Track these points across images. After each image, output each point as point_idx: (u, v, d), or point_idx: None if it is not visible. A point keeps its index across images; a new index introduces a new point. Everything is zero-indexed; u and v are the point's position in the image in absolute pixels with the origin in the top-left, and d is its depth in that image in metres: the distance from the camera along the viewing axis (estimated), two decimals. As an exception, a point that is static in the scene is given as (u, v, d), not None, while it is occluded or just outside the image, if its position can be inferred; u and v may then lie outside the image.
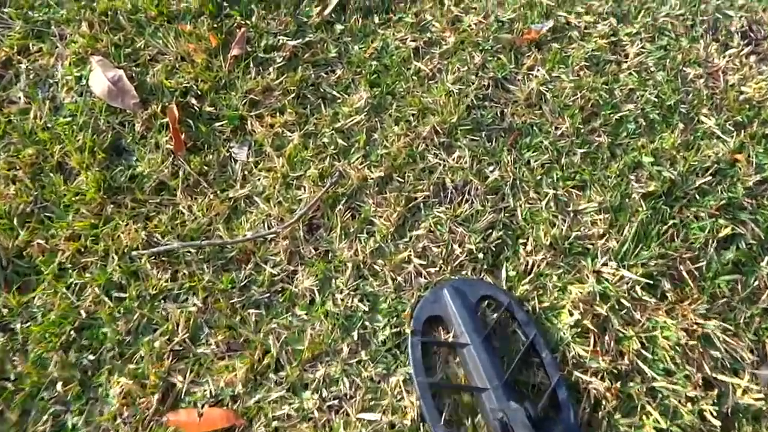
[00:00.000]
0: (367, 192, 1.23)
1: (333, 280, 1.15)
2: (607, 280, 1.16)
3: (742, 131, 1.33)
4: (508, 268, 1.17)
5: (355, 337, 1.10)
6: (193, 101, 1.30)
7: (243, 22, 1.38)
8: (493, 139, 1.30)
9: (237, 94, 1.30)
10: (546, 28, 1.41)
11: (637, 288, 1.16)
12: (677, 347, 1.11)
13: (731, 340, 1.13)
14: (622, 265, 1.18)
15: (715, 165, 1.29)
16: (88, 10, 1.38)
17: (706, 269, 1.20)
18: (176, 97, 1.30)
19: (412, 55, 1.38)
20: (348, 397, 1.07)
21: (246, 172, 1.25)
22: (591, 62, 1.40)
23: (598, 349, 1.11)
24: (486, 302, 1.13)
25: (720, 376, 1.10)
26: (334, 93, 1.33)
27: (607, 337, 1.12)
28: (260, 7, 1.41)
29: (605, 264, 1.18)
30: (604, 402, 1.06)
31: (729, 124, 1.34)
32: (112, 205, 1.18)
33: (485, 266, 1.18)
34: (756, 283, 1.19)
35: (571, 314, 1.13)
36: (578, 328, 1.12)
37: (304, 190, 1.22)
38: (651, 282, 1.18)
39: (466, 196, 1.24)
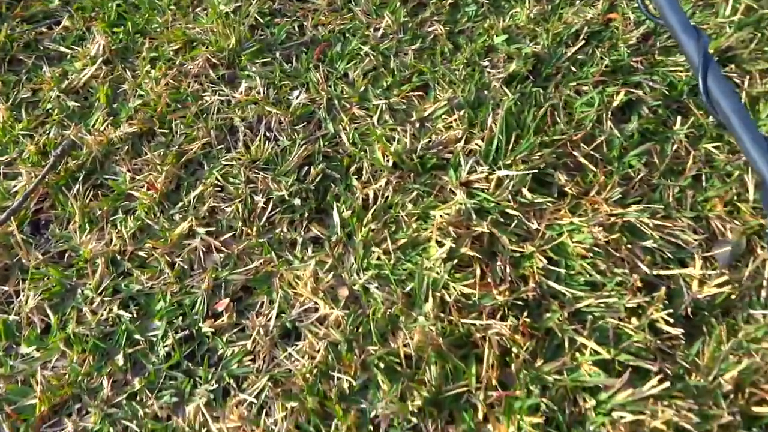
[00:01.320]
0: (118, 159, 0.98)
1: (77, 290, 0.87)
2: (481, 190, 0.96)
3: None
4: (340, 209, 0.94)
5: (120, 362, 0.82)
6: None
7: None
8: (293, 57, 1.12)
9: None
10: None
11: (524, 190, 0.97)
12: (596, 250, 0.91)
13: (665, 224, 0.95)
14: (495, 167, 0.98)
15: (586, 29, 1.17)
16: None
17: (608, 148, 1.03)
18: None
19: (166, -16, 1.19)
20: (118, 457, 0.76)
21: (-70, 176, 0.97)
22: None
23: (489, 280, 0.89)
24: None
25: (663, 272, 0.91)
26: (61, 49, 1.11)
27: (498, 264, 0.90)
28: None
29: (473, 171, 0.98)
30: (515, 349, 0.83)
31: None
32: None
33: (308, 214, 0.94)
34: (675, 148, 1.03)
35: (441, 245, 0.91)
36: (454, 260, 0.89)
37: (21, 178, 0.95)
38: (540, 179, 0.99)
39: (266, 133, 1.02)
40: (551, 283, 0.89)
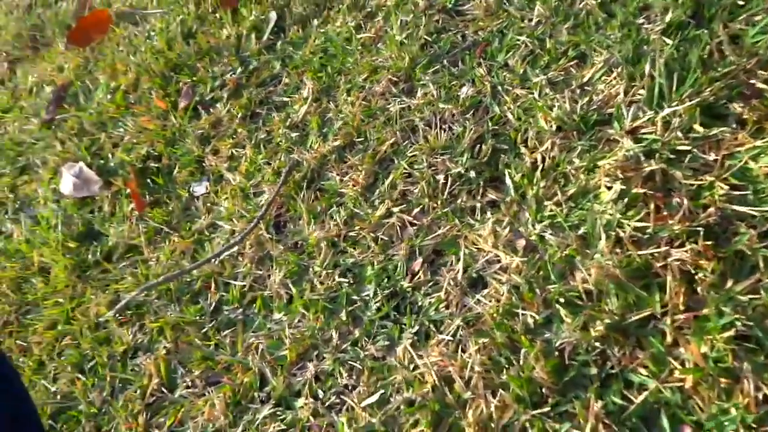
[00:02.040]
0: (329, 167, 1.21)
1: (309, 269, 1.09)
2: (648, 134, 0.97)
3: None
4: (511, 174, 1.03)
5: (344, 317, 1.00)
6: (152, 163, 1.43)
7: (190, 81, 1.56)
8: (459, 61, 1.26)
9: (190, 139, 1.42)
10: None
11: (696, 126, 0.95)
12: (784, 169, 0.85)
13: None
14: (658, 109, 0.98)
15: (751, -38, 1.11)
16: (59, 131, 1.65)
17: (791, 69, 0.96)
18: (136, 165, 1.44)
19: (353, 32, 1.44)
20: (349, 388, 0.93)
21: (208, 204, 1.30)
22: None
23: (665, 213, 0.89)
24: None
25: None
26: (284, 99, 1.40)
27: (675, 199, 0.90)
28: (204, 62, 1.59)
29: (637, 118, 0.99)
30: (700, 274, 0.82)
31: None
32: (81, 284, 1.27)
33: (483, 183, 1.05)
34: None
35: (609, 188, 0.94)
36: (625, 198, 0.91)
37: (264, 195, 1.23)
38: (713, 113, 0.96)
39: (441, 125, 1.16)
40: (736, 207, 0.85)
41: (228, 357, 1.03)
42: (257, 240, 1.17)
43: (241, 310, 1.09)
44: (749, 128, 0.92)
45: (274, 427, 0.92)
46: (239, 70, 1.52)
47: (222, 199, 1.28)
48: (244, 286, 1.11)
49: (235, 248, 1.16)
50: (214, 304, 1.12)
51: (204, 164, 1.37)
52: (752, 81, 0.97)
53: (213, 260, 1.15)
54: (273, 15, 1.61)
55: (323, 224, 1.13)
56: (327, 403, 0.92)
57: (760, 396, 0.72)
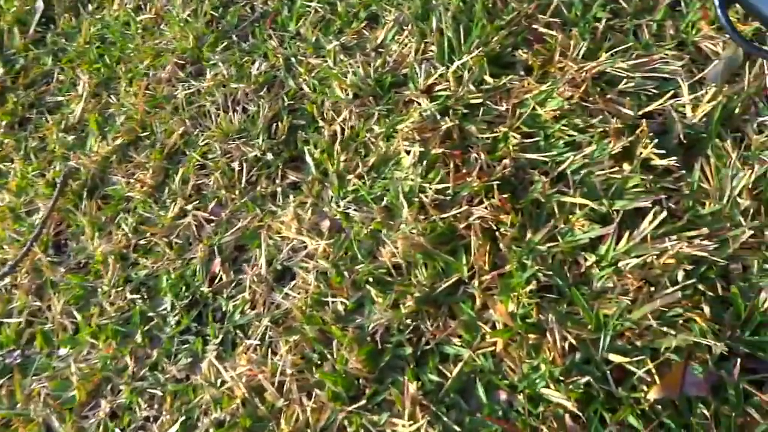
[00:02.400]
0: (112, 170, 1.05)
1: (96, 290, 0.93)
2: (442, 91, 0.92)
3: None
4: (311, 151, 0.94)
5: (139, 339, 0.86)
6: None
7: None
8: (249, 35, 1.14)
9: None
10: None
11: (486, 77, 0.91)
12: (570, 110, 0.84)
13: (642, 61, 0.85)
14: (449, 64, 0.94)
15: None
16: None
17: (568, 10, 0.95)
18: None
19: (132, 15, 1.26)
20: (150, 419, 0.80)
21: (-28, 234, 1.08)
22: None
23: (464, 170, 0.84)
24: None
25: (649, 109, 0.81)
26: (58, 98, 1.21)
27: (473, 154, 0.85)
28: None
29: (430, 75, 0.94)
30: (501, 228, 0.78)
31: None
32: None
33: (282, 165, 0.95)
34: (639, -13, 0.93)
35: (408, 152, 0.88)
36: (424, 161, 0.86)
37: (40, 212, 1.04)
38: (502, 62, 0.93)
39: (234, 107, 1.04)
40: (529, 156, 0.83)
41: (5, 411, 0.85)
42: (33, 266, 0.98)
43: (18, 352, 0.91)
44: (535, 74, 0.90)
45: (63, 487, 0.77)
46: (2, 71, 1.29)
47: (-11, 225, 1.07)
48: (20, 323, 0.93)
49: (6, 280, 0.97)
50: (-16, 353, 0.93)
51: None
52: (534, 26, 0.95)
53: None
54: (40, 4, 1.39)
55: (110, 236, 0.97)
56: (126, 444, 0.79)
57: (566, 345, 0.69)
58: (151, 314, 0.88)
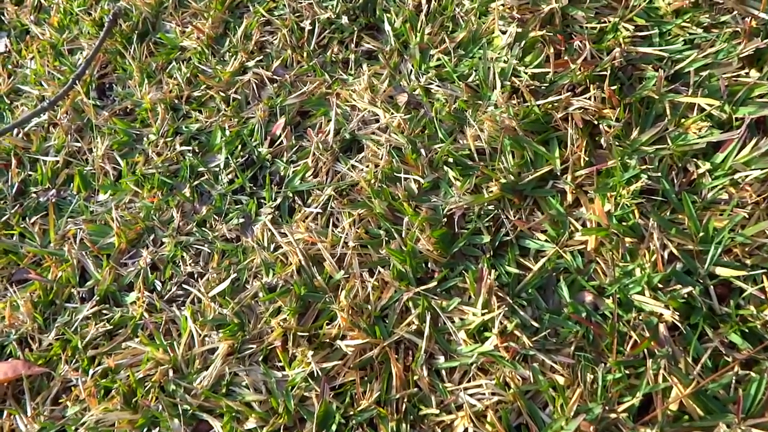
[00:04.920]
0: (166, 16, 0.92)
1: (143, 138, 0.83)
2: (547, -29, 0.80)
3: None
4: (391, 20, 0.83)
5: (188, 193, 0.77)
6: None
7: None
8: None
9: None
10: None
11: (599, -38, 0.79)
12: (694, 4, 0.72)
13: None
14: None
15: None
16: None
17: None
18: None
19: None
20: (195, 276, 0.72)
21: (9, 65, 0.97)
22: None
23: (565, 58, 0.73)
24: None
25: (786, 15, 0.70)
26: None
27: (577, 42, 0.74)
28: None
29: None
30: (604, 124, 0.68)
31: None
32: None
33: (358, 31, 0.83)
34: None
35: (504, 32, 0.76)
36: (521, 43, 0.74)
37: (83, 52, 0.93)
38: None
39: (308, -36, 0.91)
40: (643, 49, 0.72)
41: (37, 248, 0.77)
42: (74, 107, 0.88)
43: (53, 192, 0.83)
44: (656, -35, 0.78)
45: (97, 328, 0.70)
46: None
47: (27, 59, 0.96)
48: (57, 162, 0.84)
49: (45, 115, 0.87)
50: (17, 186, 0.84)
51: (2, 17, 1.03)
52: None
53: (14, 131, 0.85)
54: None
55: (160, 84, 0.87)
56: (166, 296, 0.71)
57: (666, 254, 0.61)
58: (201, 169, 0.78)
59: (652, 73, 0.70)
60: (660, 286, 0.60)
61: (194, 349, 0.66)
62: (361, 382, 0.62)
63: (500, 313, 0.61)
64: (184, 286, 0.71)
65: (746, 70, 0.68)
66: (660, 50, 0.71)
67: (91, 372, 0.68)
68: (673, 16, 0.73)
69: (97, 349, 0.69)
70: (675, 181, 0.65)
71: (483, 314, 0.62)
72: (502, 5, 0.78)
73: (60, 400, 0.67)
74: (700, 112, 0.66)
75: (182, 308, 0.70)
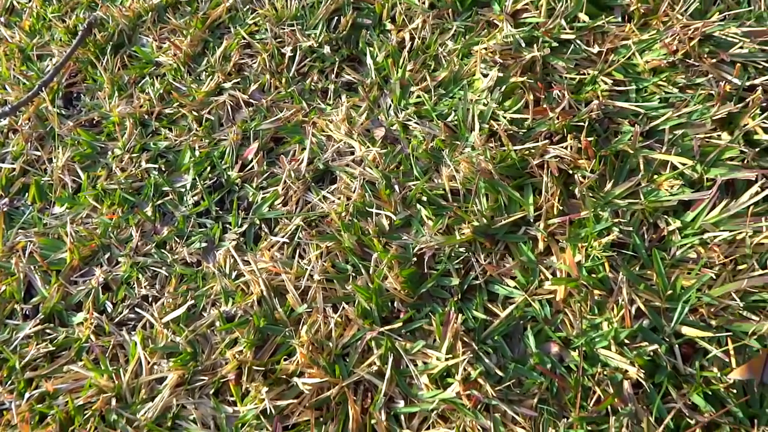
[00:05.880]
0: (144, 29, 0.92)
1: (107, 152, 0.81)
2: (530, 18, 0.82)
3: None
4: (374, 53, 0.83)
5: (149, 212, 0.75)
6: None
7: None
8: None
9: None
10: None
11: (581, 15, 0.81)
12: (671, 65, 0.75)
13: (759, 29, 0.77)
14: (545, -7, 0.84)
15: None
16: None
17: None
18: None
19: None
20: (150, 299, 0.69)
21: (-28, 67, 0.94)
22: None
23: (544, 106, 0.75)
24: None
25: (758, 81, 0.73)
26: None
27: (556, 91, 0.76)
28: None
29: (519, 0, 0.84)
30: (578, 175, 0.69)
31: None
32: None
33: (339, 62, 0.84)
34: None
35: (486, 75, 0.78)
36: (501, 87, 0.76)
37: (52, 59, 0.91)
38: (600, 2, 0.83)
39: (295, -10, 0.92)
40: (620, 104, 0.74)
41: (-19, 260, 0.74)
42: (37, 114, 0.86)
43: (5, 200, 0.80)
44: (635, 21, 0.81)
45: (38, 349, 0.67)
46: None
47: (-7, 61, 0.94)
48: (14, 169, 0.81)
49: (5, 120, 0.84)
50: (-34, 193, 0.80)
51: (-28, 15, 1.00)
52: (641, -26, 0.85)
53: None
54: None
55: (131, 98, 0.85)
56: (116, 319, 0.69)
57: (634, 310, 0.61)
58: (166, 188, 0.77)
59: (628, 128, 0.72)
60: (626, 341, 0.60)
61: (141, 377, 0.64)
62: (316, 423, 0.60)
63: (465, 359, 0.60)
64: (137, 309, 0.69)
65: (718, 132, 0.70)
66: (637, 106, 0.73)
67: (27, 395, 0.64)
68: (651, 74, 0.76)
69: (35, 371, 0.66)
70: (645, 237, 0.66)
71: (447, 359, 0.61)
72: (485, 49, 0.80)
73: (-12, 426, 0.63)
74: (672, 170, 0.68)
75: (132, 333, 0.67)
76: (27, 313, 0.70)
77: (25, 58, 0.91)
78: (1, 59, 0.90)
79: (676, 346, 0.59)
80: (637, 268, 0.64)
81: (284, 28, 0.87)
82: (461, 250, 0.67)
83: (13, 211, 0.78)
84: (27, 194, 0.79)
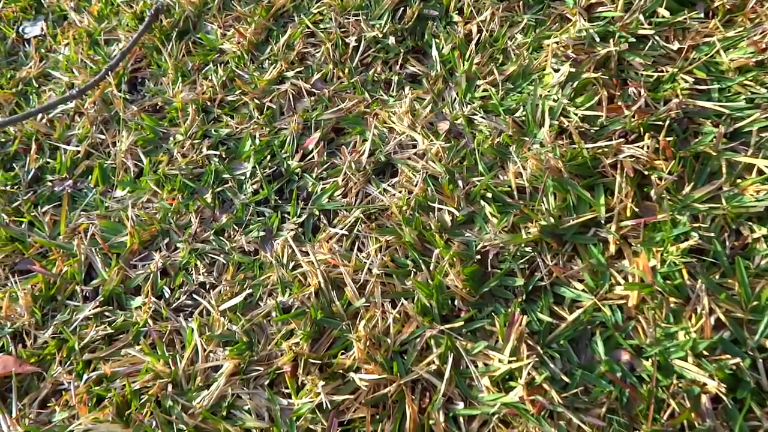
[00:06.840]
0: (209, 17, 0.93)
1: (169, 137, 0.82)
2: (605, 13, 0.80)
3: None
4: (439, 45, 0.82)
5: (209, 199, 0.76)
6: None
7: None
8: None
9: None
10: None
11: (660, 10, 0.78)
12: (759, 63, 0.71)
13: None
14: (622, -13, 0.81)
15: None
16: None
17: (770, -40, 0.81)
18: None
19: None
20: (207, 286, 0.70)
21: (42, 49, 0.98)
22: None
23: (619, 103, 0.72)
24: None
25: None
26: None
27: (632, 88, 0.73)
28: None
29: (595, -7, 0.81)
30: (654, 176, 0.66)
31: None
32: None
33: (404, 53, 0.83)
34: None
35: (557, 70, 0.76)
36: (573, 83, 0.74)
37: (119, 44, 0.94)
38: (682, -2, 0.80)
39: (359, -19, 0.92)
40: (702, 103, 0.71)
41: (45, 239, 0.76)
42: (103, 98, 0.88)
43: (69, 182, 0.82)
44: (719, 17, 0.77)
45: (97, 331, 0.68)
46: None
47: (62, 45, 0.97)
48: (78, 152, 0.84)
49: (72, 103, 0.87)
50: (33, 172, 0.83)
51: (42, 0, 1.04)
52: (727, -33, 0.82)
53: (38, 116, 0.85)
54: None
55: (194, 85, 0.87)
56: (174, 305, 0.70)
57: (713, 320, 0.59)
58: (226, 176, 0.78)
59: (710, 129, 0.69)
60: (705, 353, 0.57)
61: (197, 364, 0.64)
62: (372, 420, 0.59)
63: (529, 363, 0.58)
64: (194, 296, 0.69)
65: (810, 136, 0.66)
66: (720, 106, 0.70)
67: (85, 377, 0.65)
68: (736, 73, 0.72)
69: (94, 353, 0.67)
70: (727, 244, 0.63)
71: (510, 362, 0.59)
72: (557, 43, 0.78)
73: (48, 404, 0.65)
74: (759, 175, 0.64)
75: (189, 319, 0.68)
76: (87, 294, 0.72)
77: (93, 42, 0.94)
78: (70, 43, 0.93)
79: (760, 360, 0.56)
80: (717, 277, 0.61)
81: (349, 18, 0.87)
82: (527, 249, 0.66)
83: (76, 193, 0.81)
84: (90, 177, 0.81)
